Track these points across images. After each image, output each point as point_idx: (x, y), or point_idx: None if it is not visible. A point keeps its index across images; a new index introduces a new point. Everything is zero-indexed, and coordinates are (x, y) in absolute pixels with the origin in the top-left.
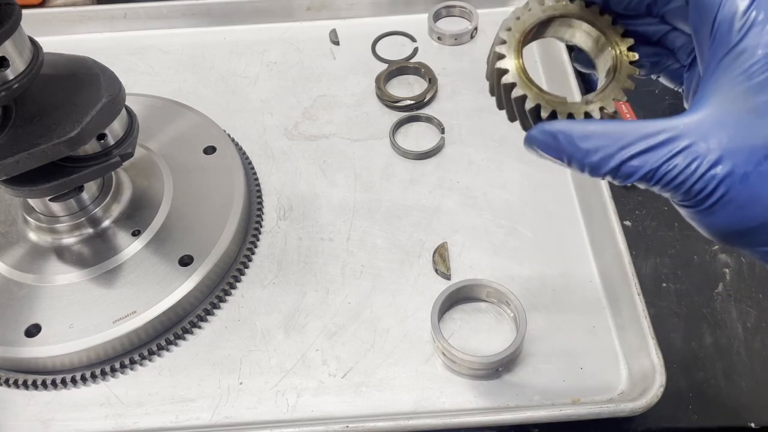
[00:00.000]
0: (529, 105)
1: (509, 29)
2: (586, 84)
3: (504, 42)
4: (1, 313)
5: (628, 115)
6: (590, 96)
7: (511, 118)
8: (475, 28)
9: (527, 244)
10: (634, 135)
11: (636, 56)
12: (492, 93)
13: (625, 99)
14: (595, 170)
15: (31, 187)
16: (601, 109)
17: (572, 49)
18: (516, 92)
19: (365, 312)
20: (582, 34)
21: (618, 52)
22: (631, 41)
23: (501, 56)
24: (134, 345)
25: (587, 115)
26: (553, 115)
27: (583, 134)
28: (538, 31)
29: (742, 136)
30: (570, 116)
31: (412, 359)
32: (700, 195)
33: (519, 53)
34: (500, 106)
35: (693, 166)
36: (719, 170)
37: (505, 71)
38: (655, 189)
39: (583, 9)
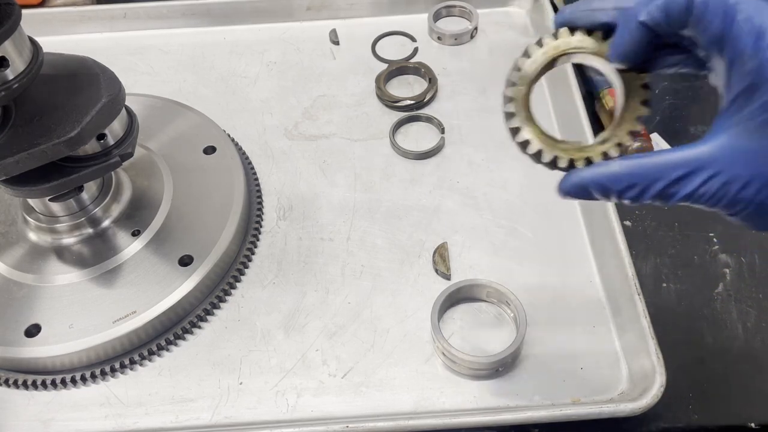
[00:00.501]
0: (546, 158)
1: (513, 84)
2: (587, 86)
3: (511, 99)
4: (1, 313)
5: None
6: (606, 133)
7: (535, 163)
8: (475, 28)
9: (527, 244)
10: (663, 168)
11: (645, 77)
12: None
13: (641, 128)
14: (634, 201)
15: (31, 187)
16: (619, 145)
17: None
18: (531, 149)
19: (365, 312)
20: (592, 62)
21: (629, 76)
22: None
23: (511, 114)
24: (134, 345)
25: (606, 156)
26: (571, 163)
27: (613, 178)
28: (545, 72)
29: (765, 159)
30: (588, 161)
31: (412, 359)
32: (737, 207)
33: (527, 106)
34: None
35: (725, 189)
36: (750, 189)
37: (517, 129)
38: (695, 206)
39: (585, 40)
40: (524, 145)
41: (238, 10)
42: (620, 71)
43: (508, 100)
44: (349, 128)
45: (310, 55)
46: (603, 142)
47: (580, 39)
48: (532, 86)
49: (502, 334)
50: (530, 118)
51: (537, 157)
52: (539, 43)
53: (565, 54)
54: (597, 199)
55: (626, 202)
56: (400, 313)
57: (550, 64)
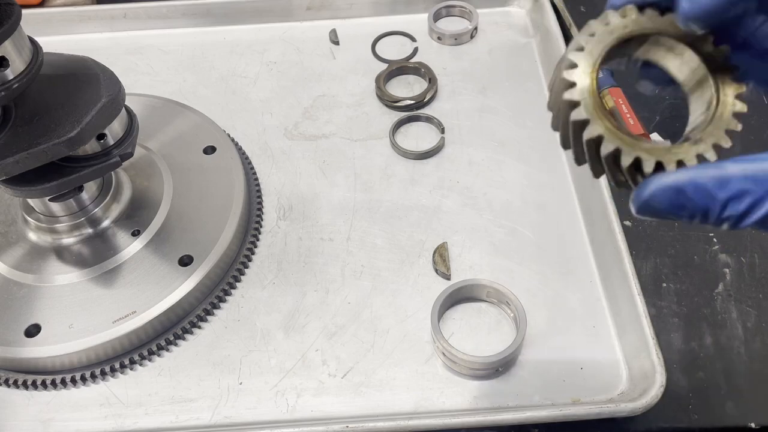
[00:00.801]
0: (626, 161)
1: (581, 49)
2: None
3: (573, 84)
4: (1, 313)
5: (623, 107)
6: (695, 134)
7: (579, 162)
8: (475, 28)
9: (527, 244)
10: None
11: (743, 88)
12: (555, 128)
13: (740, 127)
14: (739, 221)
15: (31, 187)
16: (715, 146)
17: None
18: (606, 148)
19: (365, 312)
20: (675, 60)
21: (720, 87)
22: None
23: (575, 104)
24: (134, 345)
25: (701, 159)
26: (658, 167)
27: (720, 181)
28: (618, 51)
29: None
30: (680, 164)
31: (412, 359)
32: None
33: (594, 92)
34: (566, 146)
35: None
36: None
37: (585, 123)
38: None
39: (673, 24)
40: (594, 143)
41: (238, 10)
42: (708, 66)
43: (570, 84)
44: (349, 128)
45: (310, 55)
46: (696, 142)
47: (651, 19)
48: (598, 70)
49: (502, 334)
50: (600, 108)
51: (612, 159)
52: (604, 21)
53: (635, 36)
54: (691, 218)
55: (725, 226)
56: (400, 313)
57: (615, 51)
